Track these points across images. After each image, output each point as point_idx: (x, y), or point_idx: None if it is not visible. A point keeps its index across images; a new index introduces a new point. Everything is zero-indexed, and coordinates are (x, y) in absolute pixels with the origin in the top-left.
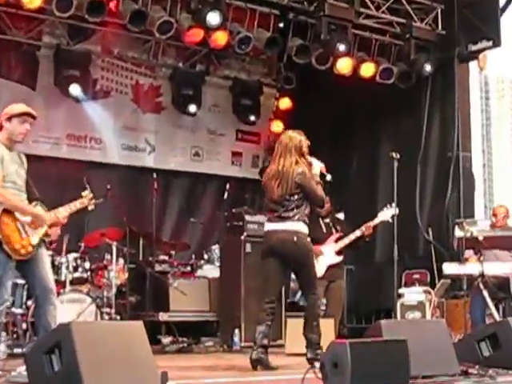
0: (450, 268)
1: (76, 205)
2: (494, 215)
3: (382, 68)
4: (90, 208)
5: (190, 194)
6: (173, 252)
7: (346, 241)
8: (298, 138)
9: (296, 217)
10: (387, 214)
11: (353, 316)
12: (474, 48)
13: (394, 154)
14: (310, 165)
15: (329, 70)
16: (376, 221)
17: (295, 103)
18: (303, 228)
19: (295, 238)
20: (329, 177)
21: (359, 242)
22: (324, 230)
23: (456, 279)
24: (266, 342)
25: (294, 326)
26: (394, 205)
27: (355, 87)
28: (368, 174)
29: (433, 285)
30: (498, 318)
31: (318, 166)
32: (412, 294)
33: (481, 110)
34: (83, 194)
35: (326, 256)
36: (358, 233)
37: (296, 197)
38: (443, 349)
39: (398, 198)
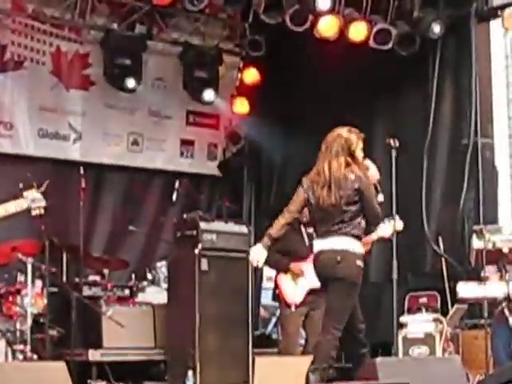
0: (466, 289)
1: (9, 207)
2: None
3: (376, 29)
4: (33, 213)
5: (128, 196)
6: (106, 271)
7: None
8: (346, 135)
9: (348, 230)
10: (388, 228)
11: (341, 353)
12: (496, 3)
13: (391, 141)
14: (366, 169)
15: (308, 32)
16: (373, 236)
17: (264, 76)
18: (355, 246)
19: (338, 258)
20: (380, 197)
21: None
22: (306, 243)
23: (474, 304)
24: None
25: (265, 366)
26: (396, 218)
27: (342, 55)
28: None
29: (445, 311)
30: None
31: (375, 174)
32: (417, 324)
33: (506, 83)
34: (25, 193)
35: (308, 277)
36: None
37: (353, 208)
38: None
39: (399, 198)
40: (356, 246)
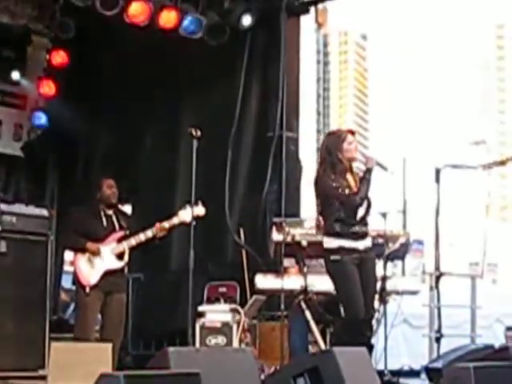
0: (264, 281)
1: None
2: None
3: (187, 18)
4: None
5: None
6: None
7: (133, 242)
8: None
9: None
10: (189, 213)
11: (140, 340)
12: None
13: (193, 131)
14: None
15: (118, 16)
16: (174, 221)
17: (73, 58)
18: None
19: None
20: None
21: (150, 245)
22: (104, 224)
23: (273, 295)
24: None
25: (62, 352)
26: (199, 205)
27: (153, 42)
28: (166, 156)
29: (244, 302)
30: (323, 346)
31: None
32: (215, 314)
33: (316, 78)
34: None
35: (105, 258)
36: (149, 233)
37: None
38: None
39: (203, 188)
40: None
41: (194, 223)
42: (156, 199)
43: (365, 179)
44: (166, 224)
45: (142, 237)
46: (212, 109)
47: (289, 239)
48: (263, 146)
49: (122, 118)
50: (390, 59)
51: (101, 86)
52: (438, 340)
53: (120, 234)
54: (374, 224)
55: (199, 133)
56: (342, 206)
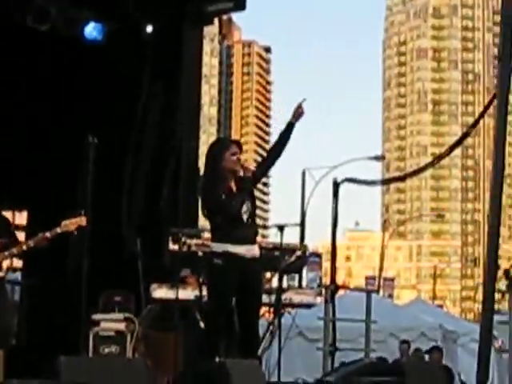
0: (159, 291)
1: None
2: None
3: (89, 24)
4: None
5: None
6: None
7: (14, 251)
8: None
9: None
10: (73, 223)
11: (32, 347)
12: (210, 8)
13: (90, 138)
14: None
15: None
16: (57, 230)
17: None
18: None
19: None
20: None
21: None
22: None
23: (168, 305)
24: None
25: None
26: (82, 215)
27: (53, 49)
28: (61, 163)
29: (139, 311)
30: (216, 358)
31: None
32: (110, 322)
33: (219, 89)
34: None
35: None
36: (30, 243)
37: None
38: None
39: (100, 198)
40: None
41: (76, 232)
42: (53, 205)
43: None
44: (48, 234)
45: (24, 246)
46: (111, 118)
47: (185, 249)
48: (163, 155)
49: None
50: (295, 72)
51: None
52: (332, 353)
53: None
54: (271, 237)
55: (96, 140)
56: (227, 216)
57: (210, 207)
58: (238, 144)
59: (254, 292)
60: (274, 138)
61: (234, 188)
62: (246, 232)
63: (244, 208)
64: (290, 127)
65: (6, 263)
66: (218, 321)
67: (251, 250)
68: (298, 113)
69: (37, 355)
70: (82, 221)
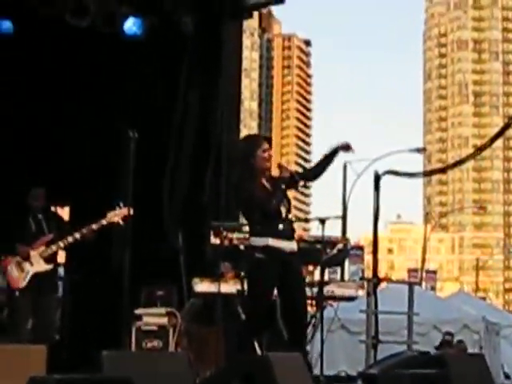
0: (201, 285)
1: None
2: None
3: (129, 19)
4: None
5: None
6: None
7: (61, 245)
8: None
9: None
10: (117, 214)
11: (76, 342)
12: (250, 2)
13: (130, 133)
14: None
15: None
16: (103, 222)
17: None
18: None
19: None
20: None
21: (90, 247)
22: (33, 229)
23: (209, 299)
24: None
25: None
26: (122, 206)
27: (88, 42)
28: (102, 158)
29: (181, 305)
30: (258, 350)
31: None
32: (152, 317)
33: (259, 83)
34: None
35: (33, 262)
36: (76, 235)
37: None
38: None
39: (141, 192)
40: None
41: (122, 223)
42: (95, 200)
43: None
44: (94, 226)
45: (70, 239)
46: (150, 111)
47: (226, 243)
48: (204, 149)
49: (46, 118)
50: (336, 65)
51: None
52: (374, 346)
53: (48, 237)
54: (313, 230)
55: (136, 135)
56: (266, 213)
57: (243, 204)
58: (268, 140)
59: (297, 286)
60: (314, 132)
61: (268, 185)
62: (284, 228)
63: (281, 205)
64: (333, 154)
65: (58, 257)
66: (259, 315)
67: (290, 245)
68: (348, 147)
69: (80, 350)
70: (127, 212)
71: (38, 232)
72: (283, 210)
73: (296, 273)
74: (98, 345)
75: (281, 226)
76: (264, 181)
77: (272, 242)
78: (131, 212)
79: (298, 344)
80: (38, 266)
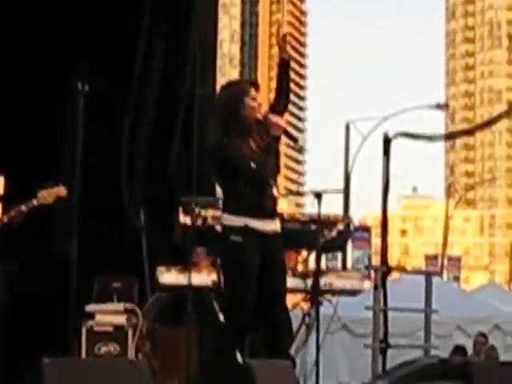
0: (168, 275)
1: None
2: None
3: None
4: None
5: None
6: None
7: None
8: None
9: None
10: (51, 194)
11: (10, 346)
12: None
13: (79, 85)
14: None
15: None
16: (33, 202)
17: None
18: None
19: None
20: None
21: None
22: None
23: (179, 293)
24: None
25: None
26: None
27: None
28: (45, 117)
29: (143, 300)
30: (239, 357)
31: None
32: (107, 315)
33: (241, 21)
34: None
35: None
36: (4, 218)
37: None
38: None
39: (93, 159)
40: None
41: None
42: (35, 170)
43: (271, 149)
44: (24, 207)
45: None
46: (107, 60)
47: (199, 223)
48: (170, 105)
49: None
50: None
51: None
52: (383, 351)
53: None
54: (307, 206)
55: (87, 87)
56: (247, 182)
57: (225, 170)
58: (256, 86)
59: (277, 275)
60: (309, 83)
61: (254, 145)
62: (267, 202)
63: (265, 171)
64: (282, 66)
65: None
66: (239, 312)
67: (271, 224)
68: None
69: (16, 357)
70: (61, 191)
71: None
72: (268, 178)
73: (277, 259)
74: (38, 350)
75: (263, 202)
76: (253, 144)
77: (251, 222)
78: (64, 193)
79: (279, 348)
80: None
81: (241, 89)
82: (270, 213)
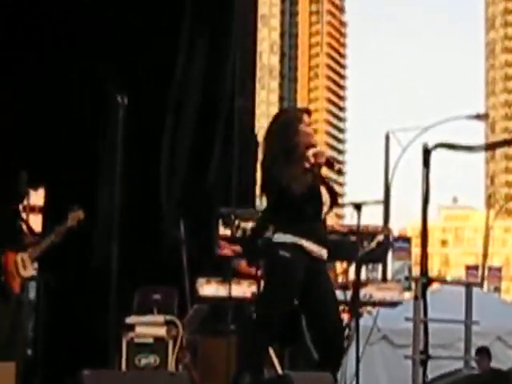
0: (208, 287)
1: None
2: None
3: None
4: None
5: None
6: None
7: (37, 250)
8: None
9: None
10: (74, 217)
11: (51, 358)
12: None
13: (119, 98)
14: None
15: None
16: (67, 224)
17: None
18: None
19: None
20: None
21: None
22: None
23: (219, 305)
24: None
25: None
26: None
27: None
28: (84, 130)
29: (183, 312)
30: (279, 368)
31: None
32: (147, 327)
33: (281, 32)
34: None
35: (27, 265)
36: (48, 240)
37: None
38: None
39: (132, 171)
40: None
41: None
42: (75, 184)
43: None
44: (62, 229)
45: (46, 243)
46: (144, 71)
47: (239, 234)
48: (209, 116)
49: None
50: (376, 10)
51: None
52: (423, 363)
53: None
54: (347, 218)
55: (126, 100)
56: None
57: (275, 193)
58: (308, 113)
59: (328, 300)
60: (349, 95)
61: (309, 176)
62: (320, 231)
63: (321, 202)
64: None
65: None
66: (279, 324)
67: (321, 251)
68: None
69: (57, 368)
70: (81, 214)
71: (21, 227)
72: (323, 208)
73: (327, 283)
74: (78, 362)
75: (317, 230)
76: (305, 166)
77: (303, 242)
78: (82, 216)
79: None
80: (30, 270)
81: (294, 115)
82: (322, 241)
